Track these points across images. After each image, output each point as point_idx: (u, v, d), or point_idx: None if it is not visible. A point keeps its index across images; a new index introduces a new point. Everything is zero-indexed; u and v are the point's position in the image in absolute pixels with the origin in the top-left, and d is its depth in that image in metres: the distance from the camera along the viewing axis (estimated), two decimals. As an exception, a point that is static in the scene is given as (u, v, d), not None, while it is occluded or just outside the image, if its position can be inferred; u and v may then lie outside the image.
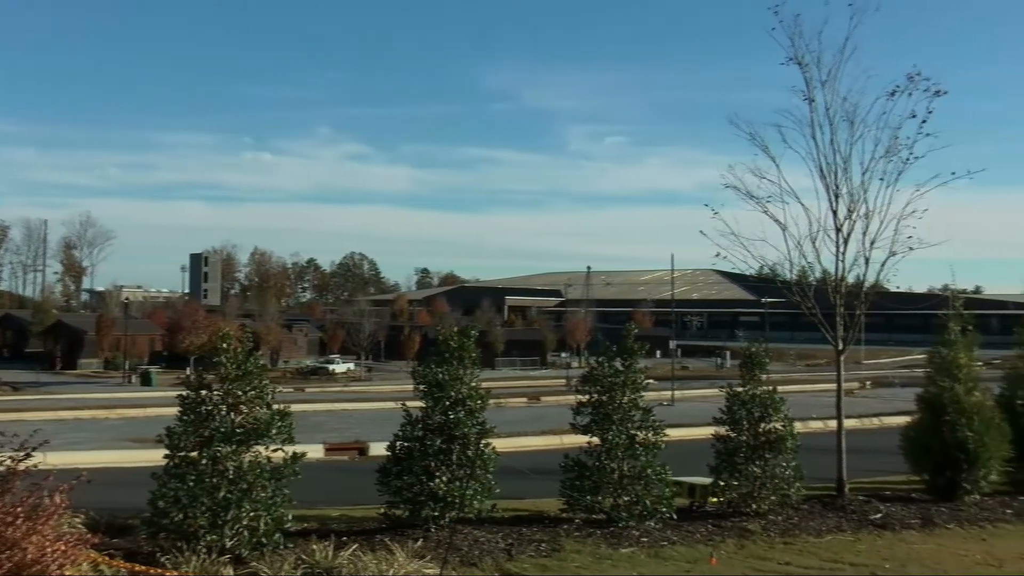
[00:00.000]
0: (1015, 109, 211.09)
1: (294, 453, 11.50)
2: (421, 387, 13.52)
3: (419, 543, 11.74)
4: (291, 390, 58.60)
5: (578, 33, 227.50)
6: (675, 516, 13.90)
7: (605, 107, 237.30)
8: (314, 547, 11.14)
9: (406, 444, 13.20)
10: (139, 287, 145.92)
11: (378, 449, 18.25)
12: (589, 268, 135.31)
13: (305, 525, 12.74)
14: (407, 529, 12.61)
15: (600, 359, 14.70)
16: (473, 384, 13.52)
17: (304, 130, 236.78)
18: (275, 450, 11.46)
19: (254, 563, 10.76)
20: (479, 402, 13.43)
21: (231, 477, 11.05)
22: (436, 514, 12.62)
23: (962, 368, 16.88)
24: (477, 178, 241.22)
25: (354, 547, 11.29)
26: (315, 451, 25.21)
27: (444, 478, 12.68)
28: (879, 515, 14.90)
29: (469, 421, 13.10)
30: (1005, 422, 16.78)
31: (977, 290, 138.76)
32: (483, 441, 13.22)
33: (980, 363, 20.89)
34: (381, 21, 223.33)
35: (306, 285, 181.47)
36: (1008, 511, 15.70)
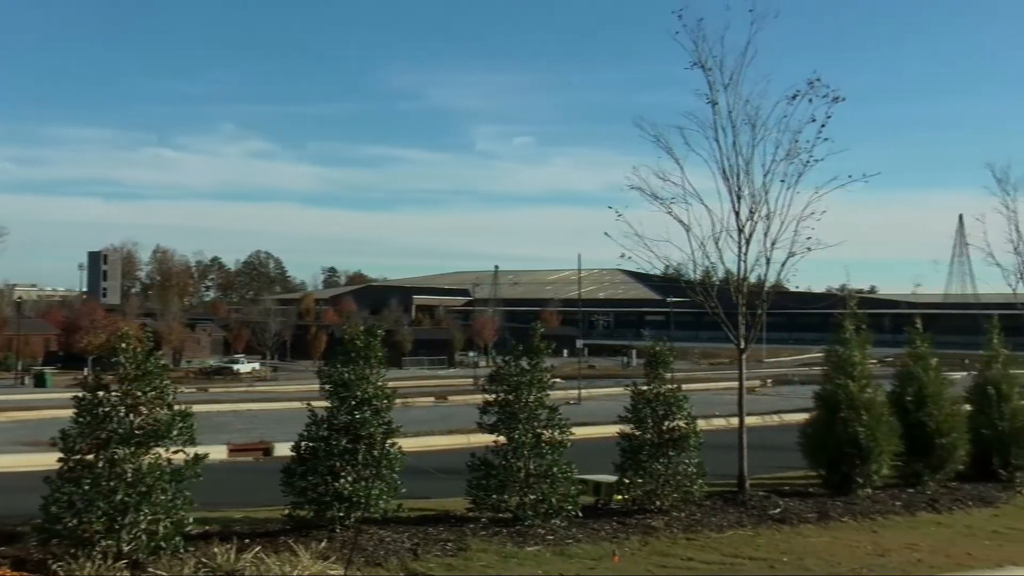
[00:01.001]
0: (909, 114, 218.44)
1: (196, 454, 11.26)
2: (327, 387, 13.38)
3: (324, 544, 11.62)
4: (194, 390, 57.41)
5: (484, 33, 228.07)
6: (581, 514, 14.02)
7: (512, 107, 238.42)
8: (215, 550, 10.93)
9: (311, 444, 13.05)
10: (33, 285, 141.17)
11: (283, 449, 17.98)
12: (497, 267, 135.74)
13: (207, 528, 12.50)
14: (312, 530, 12.47)
15: (507, 358, 14.72)
16: (379, 383, 13.44)
17: (207, 126, 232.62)
18: (176, 452, 11.21)
19: (152, 568, 10.51)
20: (385, 401, 13.35)
21: (129, 480, 10.78)
22: (341, 514, 12.50)
23: (856, 366, 17.37)
24: (384, 177, 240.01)
25: (257, 549, 11.11)
26: (218, 452, 24.77)
27: (349, 478, 12.57)
28: (778, 510, 15.25)
29: (375, 421, 13.02)
30: (895, 418, 17.31)
31: (872, 290, 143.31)
32: (389, 441, 13.14)
33: (874, 361, 21.57)
34: (283, 17, 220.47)
35: (210, 284, 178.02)
36: (897, 503, 16.25)
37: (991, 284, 25.70)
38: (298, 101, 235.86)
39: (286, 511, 13.00)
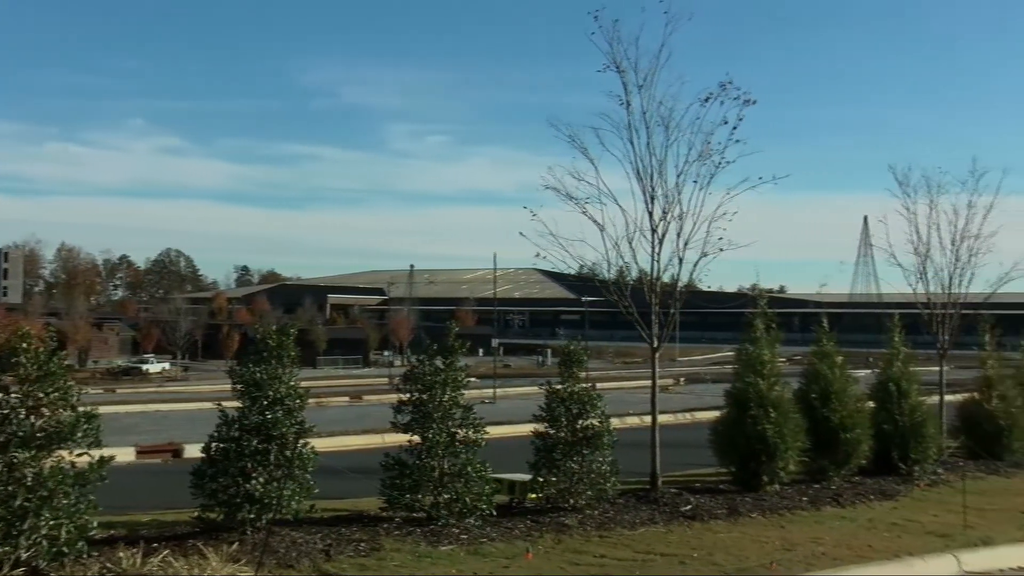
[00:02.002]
0: (817, 118, 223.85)
1: (101, 457, 10.95)
2: (238, 386, 13.15)
3: (234, 546, 11.42)
4: (101, 391, 56.05)
5: (398, 31, 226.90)
6: (495, 513, 14.04)
7: (427, 106, 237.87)
8: (121, 554, 10.67)
9: (222, 445, 12.81)
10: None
11: (193, 451, 17.66)
12: (412, 267, 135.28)
13: (112, 532, 12.19)
14: (222, 532, 12.25)
15: (421, 357, 14.66)
16: (292, 383, 13.26)
17: (114, 122, 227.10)
18: (80, 454, 10.89)
19: (53, 574, 10.21)
20: (298, 401, 13.17)
21: (29, 484, 10.43)
22: (252, 516, 12.29)
23: (765, 364, 17.71)
24: (298, 175, 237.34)
25: (165, 553, 10.88)
26: (126, 454, 24.23)
27: (261, 479, 12.38)
28: (689, 507, 15.47)
29: (288, 421, 12.84)
30: (802, 415, 17.71)
31: (781, 290, 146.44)
32: (302, 441, 12.97)
33: (783, 359, 22.05)
34: (192, 12, 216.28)
35: (118, 283, 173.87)
36: (804, 498, 16.63)
37: (893, 284, 26.44)
38: (209, 97, 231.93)
39: (195, 513, 12.75)
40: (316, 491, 13.04)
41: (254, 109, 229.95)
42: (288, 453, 12.73)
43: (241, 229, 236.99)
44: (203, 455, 12.93)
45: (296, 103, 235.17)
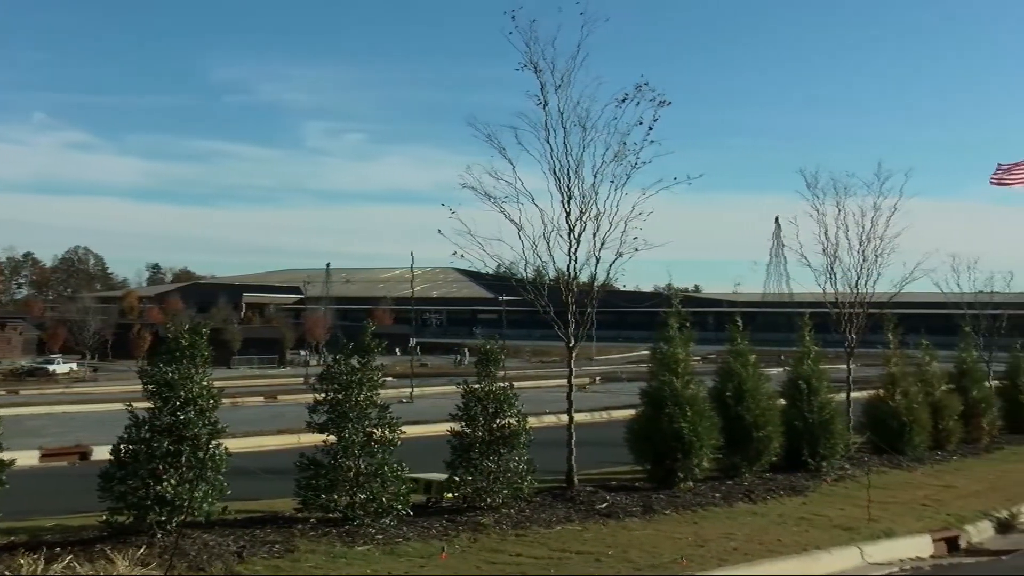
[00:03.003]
0: (730, 120, 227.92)
1: (1, 461, 10.62)
2: (149, 387, 12.85)
3: (143, 550, 11.16)
4: (3, 392, 54.30)
5: (313, 27, 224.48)
6: (411, 512, 13.98)
7: (343, 103, 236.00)
8: (21, 561, 10.33)
9: (132, 447, 12.51)
10: None
11: (102, 453, 17.22)
12: (329, 265, 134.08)
13: (13, 538, 11.83)
14: (131, 536, 11.96)
15: (337, 357, 14.52)
16: (205, 383, 13.02)
17: (16, 115, 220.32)
18: (-23, 458, 10.54)
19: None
20: (211, 401, 12.94)
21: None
22: (163, 519, 12.03)
23: (680, 363, 17.93)
24: (212, 172, 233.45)
25: (69, 558, 10.58)
26: (29, 458, 23.56)
27: (172, 481, 12.12)
28: (605, 504, 15.60)
29: (200, 421, 12.60)
30: (716, 413, 17.99)
31: (696, 289, 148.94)
32: (215, 442, 12.74)
33: (697, 358, 22.38)
34: (97, 4, 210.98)
35: (23, 281, 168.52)
36: (717, 495, 16.89)
37: (804, 284, 27.00)
38: (117, 91, 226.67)
39: (103, 517, 12.42)
40: (229, 492, 12.82)
41: (165, 105, 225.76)
42: (200, 454, 12.48)
43: (153, 227, 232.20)
44: (112, 457, 12.61)
45: (209, 99, 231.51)
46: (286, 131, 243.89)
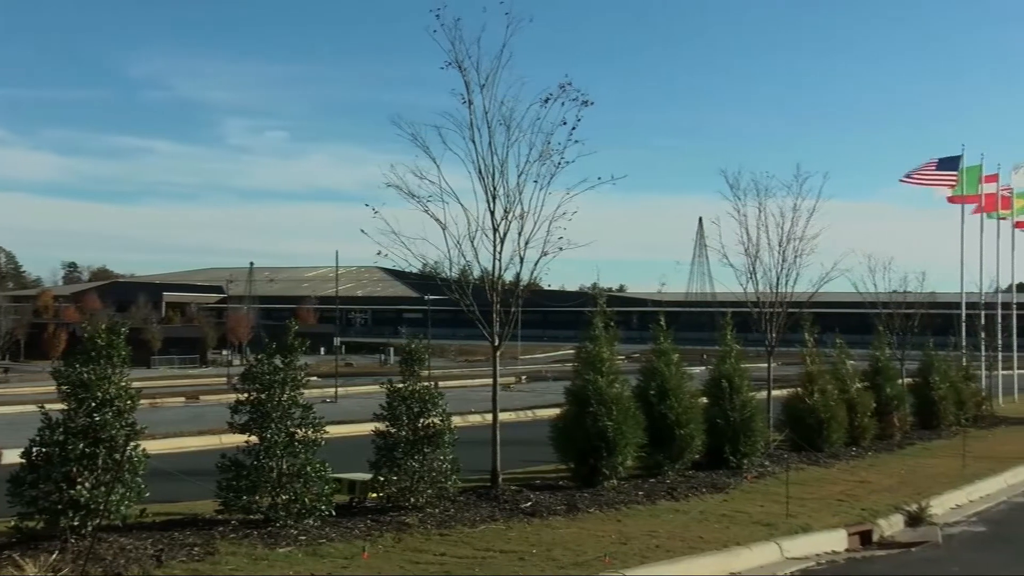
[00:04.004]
0: (653, 120, 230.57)
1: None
2: (64, 388, 12.54)
3: (55, 556, 10.86)
4: (-93, 395, 52.44)
5: (232, 22, 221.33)
6: (335, 513, 13.88)
7: (265, 100, 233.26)
8: (-72, 568, 10.02)
9: (44, 449, 12.19)
10: None
11: (12, 456, 16.75)
12: (252, 264, 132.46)
13: (-82, 545, 11.43)
14: (42, 542, 11.66)
15: (260, 356, 14.34)
16: (123, 383, 12.75)
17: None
18: None
19: None
20: (129, 402, 12.68)
21: None
22: (76, 523, 11.74)
23: (605, 362, 18.07)
24: (130, 168, 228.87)
25: (-23, 565, 10.27)
26: (-65, 462, 22.76)
27: (88, 484, 11.84)
28: (529, 503, 15.66)
29: (117, 423, 12.33)
30: (640, 411, 18.17)
31: (621, 289, 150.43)
32: (133, 443, 12.48)
33: (622, 357, 22.55)
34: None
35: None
36: (640, 493, 17.07)
37: (726, 284, 27.44)
38: (30, 85, 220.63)
39: (12, 523, 12.08)
40: (148, 495, 12.58)
41: (82, 99, 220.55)
42: (117, 456, 12.21)
43: (69, 224, 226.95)
44: (23, 460, 12.28)
45: (126, 94, 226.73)
46: (207, 128, 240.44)
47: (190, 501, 15.34)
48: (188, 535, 12.59)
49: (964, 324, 40.37)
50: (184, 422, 33.78)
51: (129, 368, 13.07)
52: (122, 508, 12.09)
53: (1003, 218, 43.04)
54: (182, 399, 49.56)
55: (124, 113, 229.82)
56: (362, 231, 16.89)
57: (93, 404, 12.26)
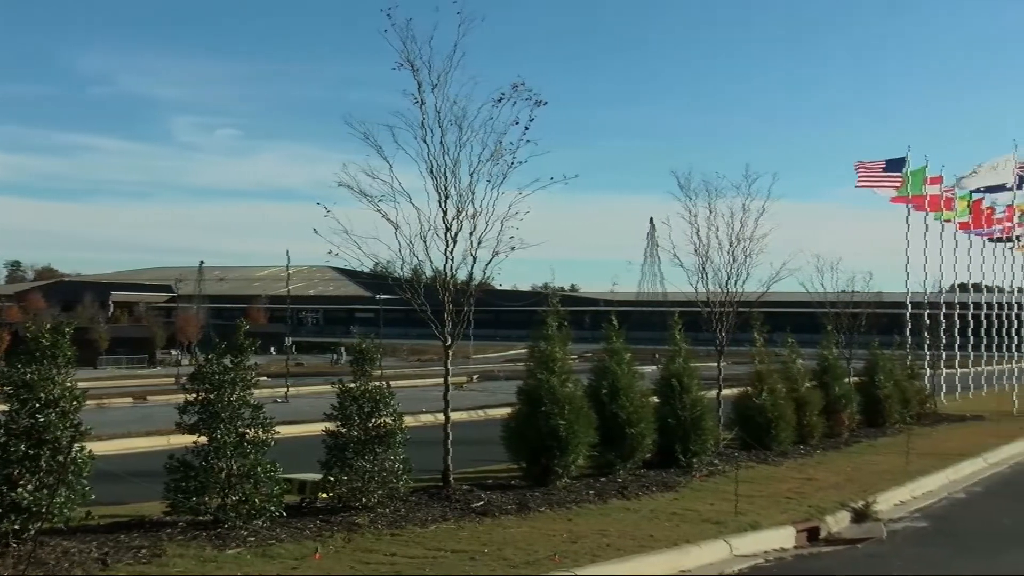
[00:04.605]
0: (606, 121, 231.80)
1: None
2: (6, 389, 12.31)
3: (-3, 560, 10.67)
4: None
5: (179, 19, 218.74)
6: (285, 514, 13.77)
7: (214, 98, 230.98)
8: None
9: (-15, 452, 11.94)
10: None
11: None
12: (202, 263, 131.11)
13: None
14: (-16, 545, 11.42)
15: (209, 356, 14.20)
16: (68, 384, 12.55)
17: None
18: None
19: None
20: (75, 403, 12.48)
21: None
22: (18, 527, 11.52)
23: (557, 361, 18.13)
24: (76, 166, 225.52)
25: (-83, 570, 10.05)
26: None
27: (30, 487, 11.63)
28: (481, 503, 15.65)
29: (62, 424, 12.13)
30: (592, 411, 18.24)
31: (573, 288, 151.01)
32: (78, 445, 12.29)
33: (574, 356, 22.66)
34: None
35: None
36: (592, 492, 17.14)
37: (677, 284, 27.63)
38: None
39: (-47, 526, 11.82)
40: (93, 497, 12.38)
41: (25, 95, 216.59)
42: (61, 458, 12.02)
43: (12, 222, 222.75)
44: (-39, 464, 12.02)
45: (72, 90, 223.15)
46: (155, 125, 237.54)
47: (137, 503, 15.13)
48: (135, 537, 12.42)
49: (909, 323, 41.02)
50: (132, 423, 33.34)
51: (74, 368, 12.86)
52: (66, 511, 11.90)
53: (948, 220, 43.83)
54: (130, 399, 48.89)
55: (70, 109, 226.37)
56: (314, 230, 16.80)
57: (36, 405, 12.05)
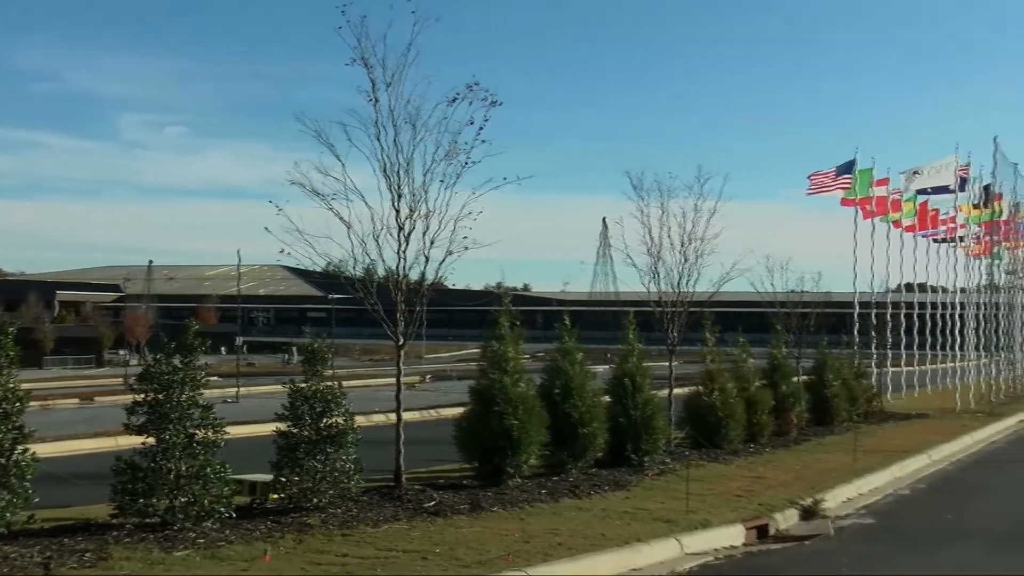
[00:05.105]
0: (559, 121, 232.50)
1: None
2: (-54, 390, 12.06)
3: (-66, 566, 10.45)
4: None
5: (125, 15, 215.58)
6: (235, 515, 13.63)
7: (163, 95, 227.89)
8: None
9: (-74, 454, 11.70)
10: None
11: None
12: (151, 262, 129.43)
13: None
14: (-76, 550, 11.18)
15: (158, 356, 14.02)
16: (11, 385, 12.33)
17: None
18: None
19: None
20: (17, 404, 12.27)
21: None
22: (-40, 531, 11.30)
23: (510, 361, 18.14)
24: (19, 163, 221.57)
25: None
26: None
27: (-29, 490, 11.40)
28: (433, 503, 15.62)
29: (4, 426, 11.92)
30: (544, 410, 18.28)
31: (526, 288, 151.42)
32: (20, 447, 12.07)
33: (527, 356, 22.69)
34: None
35: None
36: (544, 491, 17.16)
37: (629, 283, 27.81)
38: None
39: None
40: (37, 500, 12.18)
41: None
42: (3, 461, 11.81)
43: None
44: (-97, 465, 11.76)
45: (14, 85, 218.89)
46: (101, 122, 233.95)
47: (83, 506, 14.90)
48: (80, 541, 12.21)
49: (857, 323, 41.62)
50: (78, 424, 32.89)
51: (18, 369, 12.64)
52: (7, 515, 11.69)
53: (895, 221, 44.55)
54: (76, 400, 48.20)
55: (12, 105, 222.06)
56: (265, 228, 16.65)
57: (-22, 407, 11.81)
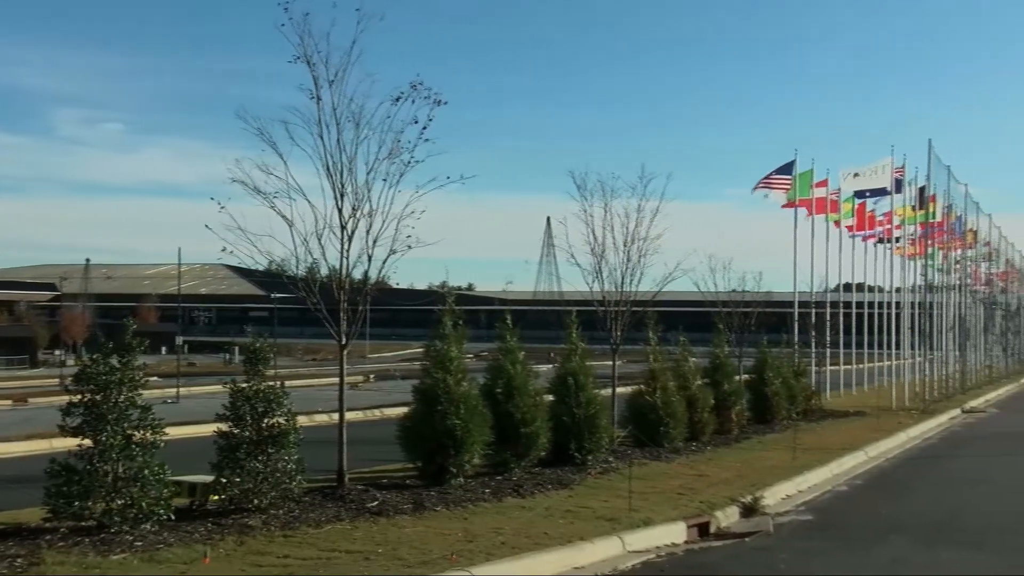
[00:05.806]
0: (503, 120, 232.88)
1: None
2: None
3: None
4: None
5: (57, 9, 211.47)
6: (174, 517, 13.44)
7: (99, 91, 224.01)
8: None
9: None
10: None
11: None
12: (88, 260, 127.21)
13: None
14: None
15: (95, 356, 13.77)
16: (-59, 386, 12.03)
17: None
18: None
19: None
20: (-52, 406, 11.97)
21: None
22: None
23: (453, 360, 18.12)
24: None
25: None
26: None
27: (-100, 494, 11.11)
28: (376, 503, 15.56)
29: (-66, 428, 11.63)
30: (487, 409, 18.29)
31: (470, 287, 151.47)
32: (-48, 449, 11.79)
33: (470, 355, 22.68)
34: None
35: None
36: (487, 491, 17.17)
37: (573, 283, 28.01)
38: None
39: None
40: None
41: None
42: (-66, 463, 11.52)
43: None
44: None
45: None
46: (34, 118, 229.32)
47: (14, 510, 14.59)
48: (10, 546, 11.95)
49: (796, 322, 42.25)
50: (10, 426, 32.23)
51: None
52: (-63, 519, 11.39)
53: (835, 221, 45.28)
54: (9, 402, 47.21)
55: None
56: (206, 226, 16.43)
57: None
